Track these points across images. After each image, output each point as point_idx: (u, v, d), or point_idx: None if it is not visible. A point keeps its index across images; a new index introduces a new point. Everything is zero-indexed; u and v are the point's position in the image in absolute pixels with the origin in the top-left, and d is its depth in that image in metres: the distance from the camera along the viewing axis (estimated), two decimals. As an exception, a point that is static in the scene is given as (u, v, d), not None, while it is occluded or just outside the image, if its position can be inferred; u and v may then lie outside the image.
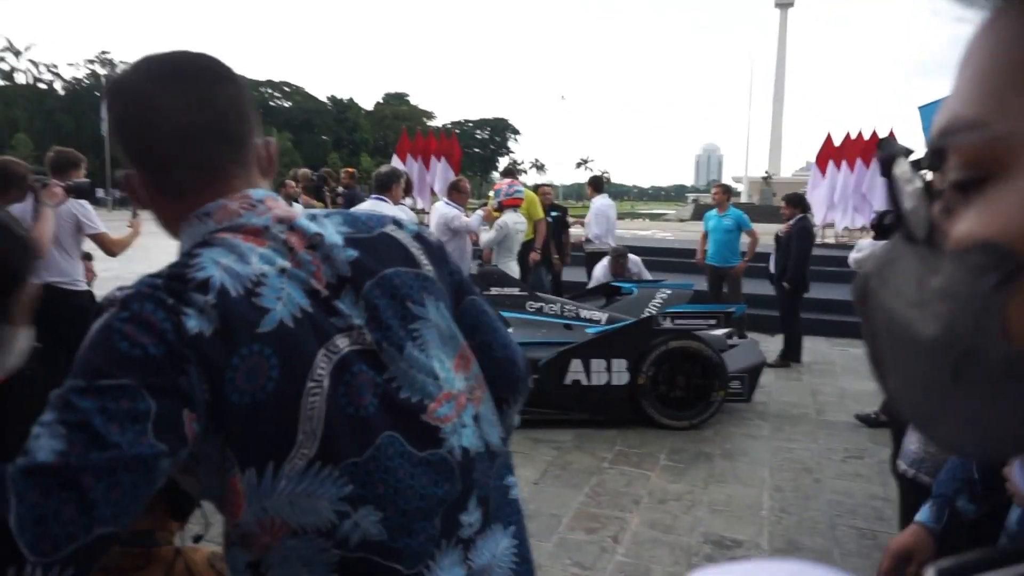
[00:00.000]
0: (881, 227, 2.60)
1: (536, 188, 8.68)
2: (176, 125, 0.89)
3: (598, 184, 8.75)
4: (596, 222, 8.16)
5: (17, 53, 59.22)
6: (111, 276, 8.22)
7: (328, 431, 0.86)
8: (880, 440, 4.94)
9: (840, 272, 9.62)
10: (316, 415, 0.85)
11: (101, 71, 59.83)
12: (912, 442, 2.25)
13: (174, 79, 0.90)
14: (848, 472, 4.35)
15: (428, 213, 16.10)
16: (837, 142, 11.77)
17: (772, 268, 7.07)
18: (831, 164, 11.70)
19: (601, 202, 8.43)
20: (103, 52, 69.06)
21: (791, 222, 6.88)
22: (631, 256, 7.36)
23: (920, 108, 8.67)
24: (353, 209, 4.99)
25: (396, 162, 13.64)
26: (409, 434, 0.93)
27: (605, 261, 7.37)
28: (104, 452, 0.71)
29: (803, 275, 6.81)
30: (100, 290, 5.15)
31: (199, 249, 0.87)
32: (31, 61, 61.62)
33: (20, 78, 60.16)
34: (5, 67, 59.18)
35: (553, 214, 8.35)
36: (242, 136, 0.94)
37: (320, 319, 0.89)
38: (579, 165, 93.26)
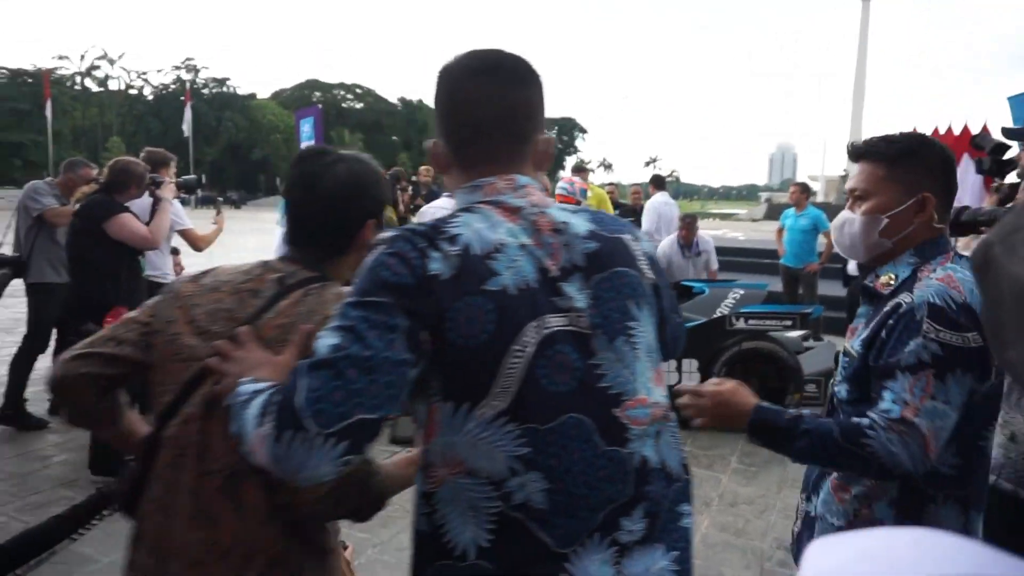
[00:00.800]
0: (958, 223, 2.47)
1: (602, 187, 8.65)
2: (477, 114, 1.07)
3: (659, 182, 8.64)
4: (648, 218, 8.02)
5: (112, 62, 62.80)
6: (195, 270, 8.63)
7: (520, 393, 0.96)
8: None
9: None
10: (514, 376, 0.96)
11: (186, 77, 62.78)
12: (992, 447, 2.14)
13: (486, 75, 1.07)
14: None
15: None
16: (923, 138, 11.26)
17: (852, 269, 6.78)
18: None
19: (657, 199, 8.30)
20: (188, 59, 72.62)
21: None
22: (703, 234, 7.15)
23: (1010, 99, 8.18)
24: (427, 209, 5.09)
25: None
26: (598, 423, 0.99)
27: (672, 236, 7.14)
28: (364, 351, 0.90)
29: None
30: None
31: (462, 213, 1.04)
32: (123, 68, 65.20)
33: (113, 84, 63.78)
34: (100, 75, 62.84)
35: (615, 212, 8.31)
36: (527, 131, 1.10)
37: (541, 295, 0.99)
38: (647, 164, 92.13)
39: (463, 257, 0.97)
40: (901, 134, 1.49)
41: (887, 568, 0.36)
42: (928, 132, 10.44)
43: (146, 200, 4.06)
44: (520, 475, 0.96)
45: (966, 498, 1.43)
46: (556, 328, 0.98)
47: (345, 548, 1.58)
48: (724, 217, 37.84)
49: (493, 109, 1.07)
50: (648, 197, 8.47)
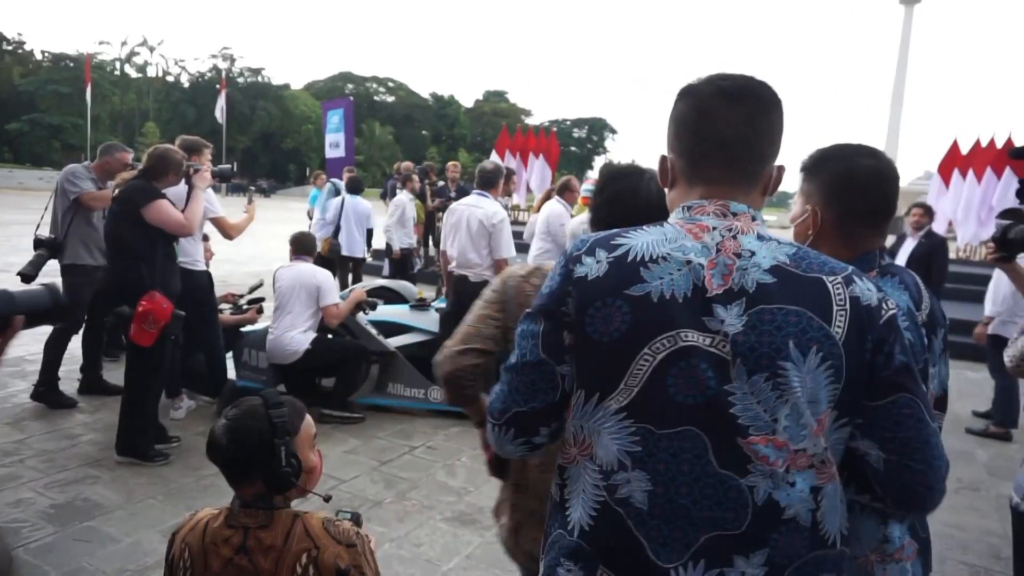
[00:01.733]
0: (1005, 241, 2.39)
1: None
2: (716, 134, 1.10)
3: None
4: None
5: (151, 48, 63.83)
6: (223, 257, 8.74)
7: (641, 394, 1.03)
8: (998, 473, 4.58)
9: (958, 290, 9.02)
10: (639, 377, 1.03)
11: (222, 65, 63.56)
12: None
13: (730, 98, 1.10)
14: (962, 504, 4.06)
15: (520, 208, 16.19)
16: (964, 149, 10.97)
17: None
18: (956, 173, 10.92)
19: None
20: (224, 48, 73.54)
21: (922, 233, 6.22)
22: None
23: None
24: (457, 206, 5.08)
25: (495, 158, 13.79)
26: (717, 445, 1.00)
27: None
28: (514, 358, 1.13)
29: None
30: (215, 270, 5.46)
31: (650, 226, 1.11)
32: (162, 55, 66.26)
33: (151, 71, 64.82)
34: (139, 61, 63.90)
35: None
36: (764, 156, 1.12)
37: (688, 310, 1.02)
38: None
39: (615, 263, 1.06)
40: (820, 148, 1.52)
41: None
42: (969, 145, 10.07)
43: (182, 187, 4.11)
44: (627, 471, 1.03)
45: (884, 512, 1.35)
46: (693, 343, 1.00)
47: (369, 539, 1.60)
48: (753, 223, 37.30)
49: (731, 131, 1.09)
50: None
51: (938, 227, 11.35)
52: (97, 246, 4.65)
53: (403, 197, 8.41)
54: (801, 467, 1.01)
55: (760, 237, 1.07)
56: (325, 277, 4.80)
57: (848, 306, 1.02)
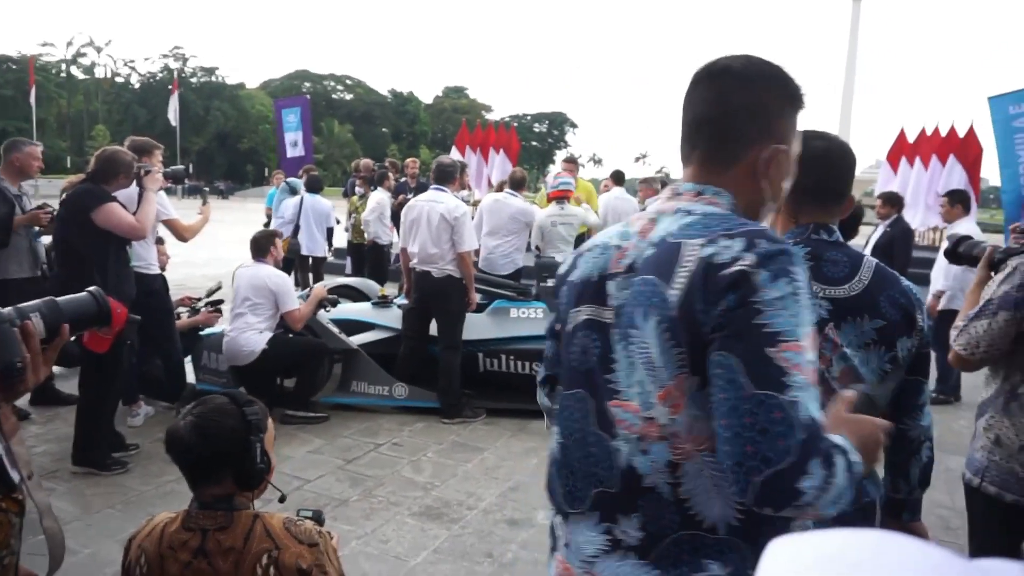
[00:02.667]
0: (955, 253, 2.49)
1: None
2: (693, 114, 1.13)
3: (618, 178, 8.67)
4: (601, 213, 7.89)
5: (99, 49, 61.97)
6: (180, 261, 8.56)
7: (559, 360, 1.23)
8: (947, 447, 4.75)
9: (912, 274, 9.27)
10: (562, 345, 1.22)
11: (174, 65, 62.07)
12: (977, 450, 2.16)
13: (710, 76, 1.11)
14: (913, 478, 4.20)
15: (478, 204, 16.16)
16: (911, 138, 11.29)
17: None
18: (903, 162, 11.23)
19: (612, 194, 8.26)
20: (176, 47, 71.80)
21: (887, 222, 6.37)
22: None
23: (990, 99, 8.23)
24: (417, 202, 5.07)
25: (455, 154, 13.75)
26: (596, 407, 1.11)
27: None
28: None
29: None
30: (172, 273, 5.35)
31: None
32: (110, 56, 64.33)
33: (99, 72, 62.98)
34: (86, 62, 62.02)
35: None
36: (742, 134, 1.09)
37: (592, 288, 1.14)
38: (637, 160, 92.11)
39: (574, 256, 1.23)
40: None
41: (844, 573, 0.36)
42: (916, 133, 10.31)
43: (133, 190, 4.01)
44: (553, 424, 1.25)
45: None
46: (588, 317, 1.13)
47: (332, 537, 1.60)
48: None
49: (703, 109, 1.11)
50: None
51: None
52: (27, 257, 4.49)
53: (383, 195, 8.30)
54: (653, 437, 1.02)
55: (678, 211, 1.08)
56: (282, 282, 4.73)
57: (693, 266, 0.98)
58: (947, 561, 0.36)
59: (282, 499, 1.66)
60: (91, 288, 1.39)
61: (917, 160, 11.02)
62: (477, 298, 5.07)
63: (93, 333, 4.14)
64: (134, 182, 3.99)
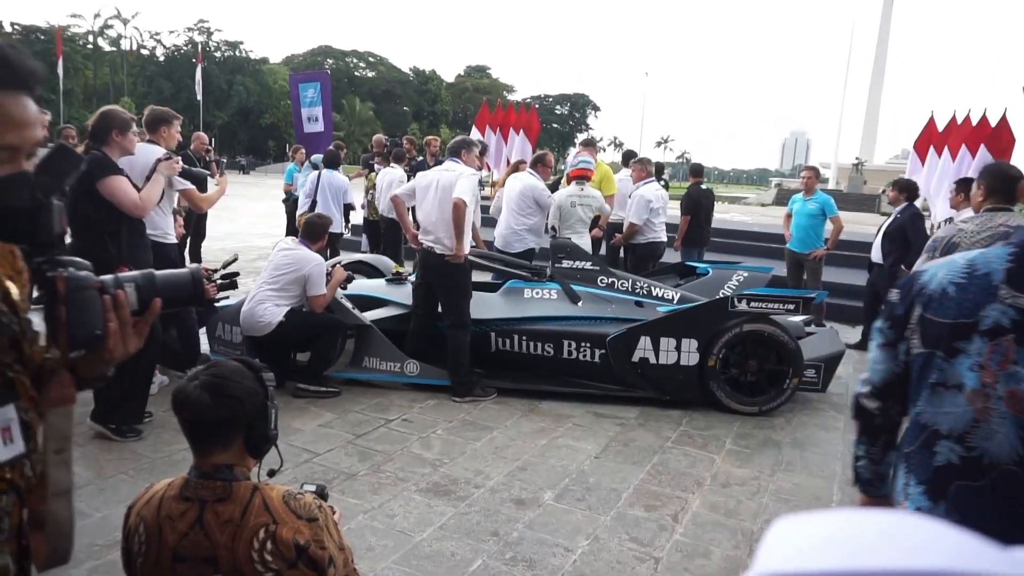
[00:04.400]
0: None
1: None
2: None
3: (627, 158, 8.60)
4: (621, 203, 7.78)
5: (125, 21, 62.17)
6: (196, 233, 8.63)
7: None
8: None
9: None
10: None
11: (198, 39, 62.16)
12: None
13: None
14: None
15: (500, 186, 16.05)
16: (941, 126, 11.02)
17: (876, 257, 6.66)
18: (932, 150, 10.98)
19: (621, 175, 8.24)
20: (201, 21, 71.80)
21: (898, 209, 6.48)
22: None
23: None
24: (431, 170, 5.02)
25: (475, 133, 13.65)
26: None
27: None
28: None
29: (911, 264, 6.49)
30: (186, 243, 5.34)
31: None
32: (136, 28, 64.54)
33: (125, 44, 63.24)
34: (113, 34, 62.27)
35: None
36: None
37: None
38: (659, 144, 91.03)
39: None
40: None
41: (852, 556, 0.33)
42: (945, 122, 10.10)
43: (138, 160, 4.01)
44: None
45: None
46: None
47: (334, 512, 1.59)
48: (733, 200, 37.45)
49: None
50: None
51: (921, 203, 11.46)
52: None
53: (398, 171, 8.29)
54: None
55: None
56: (318, 270, 4.72)
57: None
58: (974, 547, 0.32)
59: (271, 473, 1.63)
60: (192, 266, 1.39)
61: (945, 149, 10.77)
62: (466, 250, 4.86)
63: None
64: (138, 148, 3.98)
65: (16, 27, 56.21)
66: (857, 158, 37.94)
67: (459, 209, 4.68)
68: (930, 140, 11.19)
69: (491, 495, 3.51)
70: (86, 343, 1.10)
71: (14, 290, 1.07)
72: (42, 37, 53.67)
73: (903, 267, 6.36)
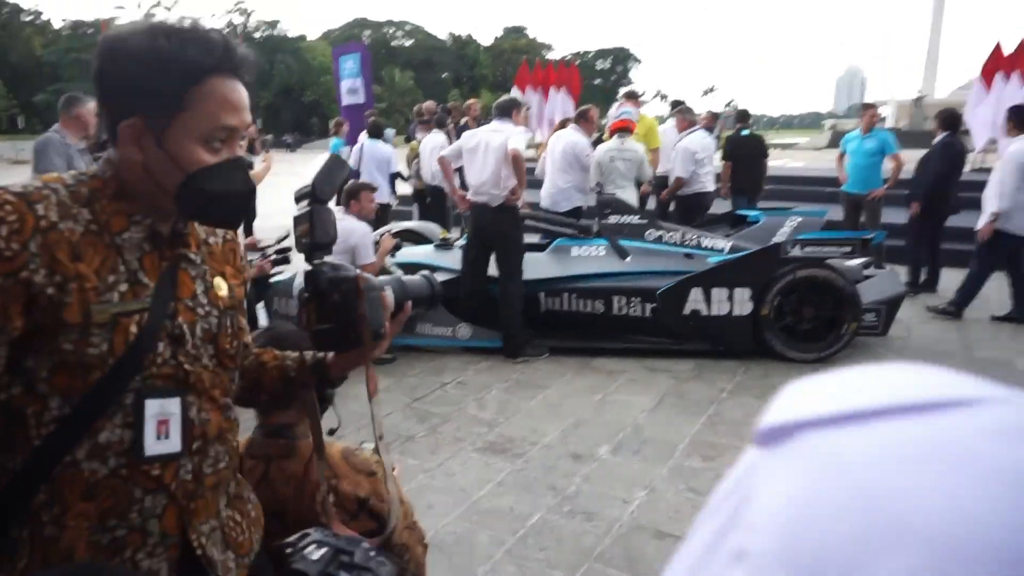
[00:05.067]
0: None
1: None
2: None
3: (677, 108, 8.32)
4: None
5: (167, 8, 63.29)
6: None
7: None
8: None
9: (967, 198, 8.72)
10: None
11: (237, 21, 62.91)
12: None
13: None
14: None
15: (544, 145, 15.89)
16: (1008, 51, 10.39)
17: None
18: (998, 77, 10.37)
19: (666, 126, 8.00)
20: (239, 3, 72.49)
21: (936, 139, 6.34)
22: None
23: None
24: (478, 131, 5.00)
25: (516, 93, 13.52)
26: None
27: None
28: None
29: (943, 197, 6.28)
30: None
31: None
32: (177, 14, 65.56)
33: (168, 31, 64.49)
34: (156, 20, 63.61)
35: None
36: None
37: None
38: (705, 94, 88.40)
39: None
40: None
41: (860, 397, 0.32)
42: (1015, 47, 9.54)
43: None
44: None
45: None
46: None
47: (393, 469, 1.64)
48: (785, 147, 36.23)
49: None
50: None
51: (978, 137, 10.89)
52: None
53: (440, 136, 8.25)
54: None
55: None
56: (363, 238, 4.79)
57: None
58: (961, 382, 0.31)
59: (331, 432, 1.69)
60: (425, 272, 1.56)
61: (1015, 75, 10.16)
62: (523, 194, 4.92)
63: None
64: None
65: (65, 23, 57.92)
66: (919, 92, 36.12)
67: (518, 158, 4.73)
68: (997, 66, 10.57)
69: (547, 451, 3.55)
70: (375, 338, 1.20)
71: (222, 287, 1.11)
72: (89, 31, 55.11)
73: (913, 202, 6.38)
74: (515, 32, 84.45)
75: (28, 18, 58.81)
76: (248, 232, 8.68)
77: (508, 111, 5.02)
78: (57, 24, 59.93)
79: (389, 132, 8.87)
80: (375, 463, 1.56)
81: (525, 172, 4.85)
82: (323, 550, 1.19)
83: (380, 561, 1.21)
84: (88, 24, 56.45)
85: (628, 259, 5.20)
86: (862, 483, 0.28)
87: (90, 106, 4.72)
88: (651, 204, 7.84)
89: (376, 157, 8.28)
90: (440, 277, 5.42)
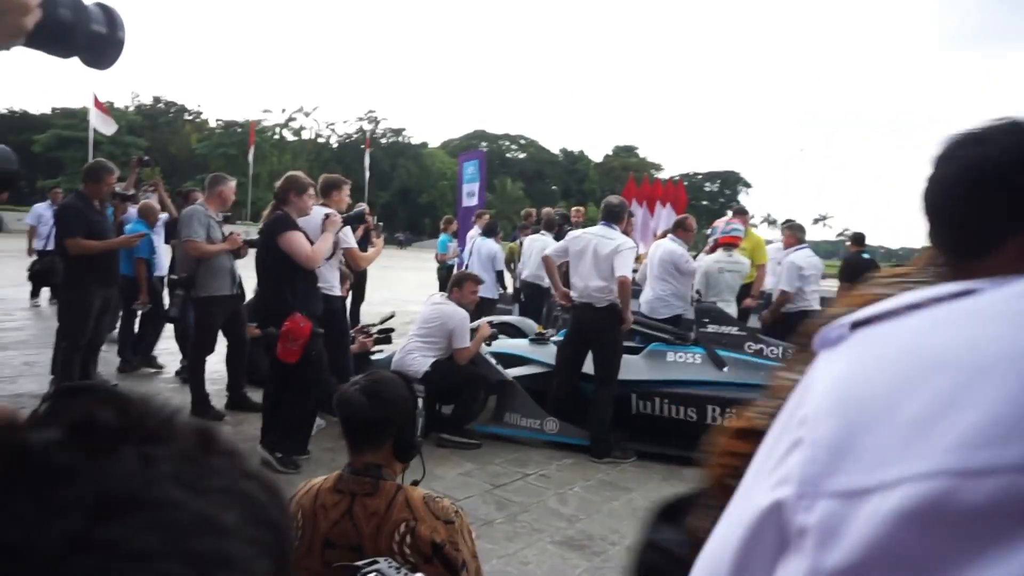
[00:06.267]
0: None
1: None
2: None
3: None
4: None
5: (307, 114, 70.04)
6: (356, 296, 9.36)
7: None
8: None
9: None
10: None
11: (367, 127, 68.52)
12: None
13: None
14: None
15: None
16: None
17: None
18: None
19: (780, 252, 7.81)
20: (370, 111, 79.33)
21: None
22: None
23: None
24: (585, 233, 5.16)
25: (620, 205, 13.82)
26: None
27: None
28: None
29: None
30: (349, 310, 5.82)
31: None
32: (315, 120, 72.25)
33: (306, 134, 70.97)
34: (296, 125, 70.26)
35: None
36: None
37: None
38: (816, 222, 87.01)
39: None
40: None
41: (887, 304, 0.39)
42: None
43: (316, 220, 4.50)
44: None
45: None
46: None
47: (465, 519, 1.66)
48: (902, 279, 34.52)
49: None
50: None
51: None
52: (227, 277, 5.14)
53: (545, 238, 8.46)
54: None
55: None
56: (460, 323, 4.98)
57: None
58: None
59: (415, 483, 1.74)
60: None
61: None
62: (631, 319, 5.01)
63: (284, 345, 4.58)
64: (313, 210, 4.48)
65: (219, 122, 65.01)
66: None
67: (625, 286, 4.84)
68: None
69: (627, 553, 3.41)
70: None
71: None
72: (239, 130, 61.52)
73: None
74: (625, 151, 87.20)
75: (190, 117, 66.57)
76: (355, 316, 9.13)
77: (618, 216, 5.15)
78: (212, 123, 67.32)
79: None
80: (454, 513, 1.59)
81: (630, 297, 4.97)
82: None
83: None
84: (239, 124, 63.15)
85: (725, 369, 5.08)
86: (901, 344, 0.35)
87: (231, 185, 5.36)
88: (753, 321, 7.68)
89: (481, 253, 8.62)
90: (534, 370, 5.49)
